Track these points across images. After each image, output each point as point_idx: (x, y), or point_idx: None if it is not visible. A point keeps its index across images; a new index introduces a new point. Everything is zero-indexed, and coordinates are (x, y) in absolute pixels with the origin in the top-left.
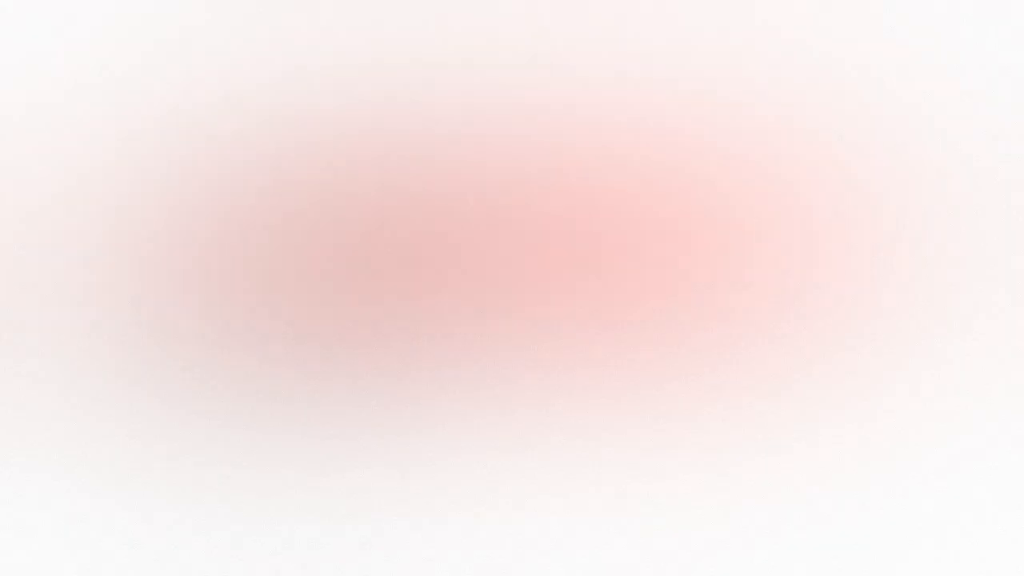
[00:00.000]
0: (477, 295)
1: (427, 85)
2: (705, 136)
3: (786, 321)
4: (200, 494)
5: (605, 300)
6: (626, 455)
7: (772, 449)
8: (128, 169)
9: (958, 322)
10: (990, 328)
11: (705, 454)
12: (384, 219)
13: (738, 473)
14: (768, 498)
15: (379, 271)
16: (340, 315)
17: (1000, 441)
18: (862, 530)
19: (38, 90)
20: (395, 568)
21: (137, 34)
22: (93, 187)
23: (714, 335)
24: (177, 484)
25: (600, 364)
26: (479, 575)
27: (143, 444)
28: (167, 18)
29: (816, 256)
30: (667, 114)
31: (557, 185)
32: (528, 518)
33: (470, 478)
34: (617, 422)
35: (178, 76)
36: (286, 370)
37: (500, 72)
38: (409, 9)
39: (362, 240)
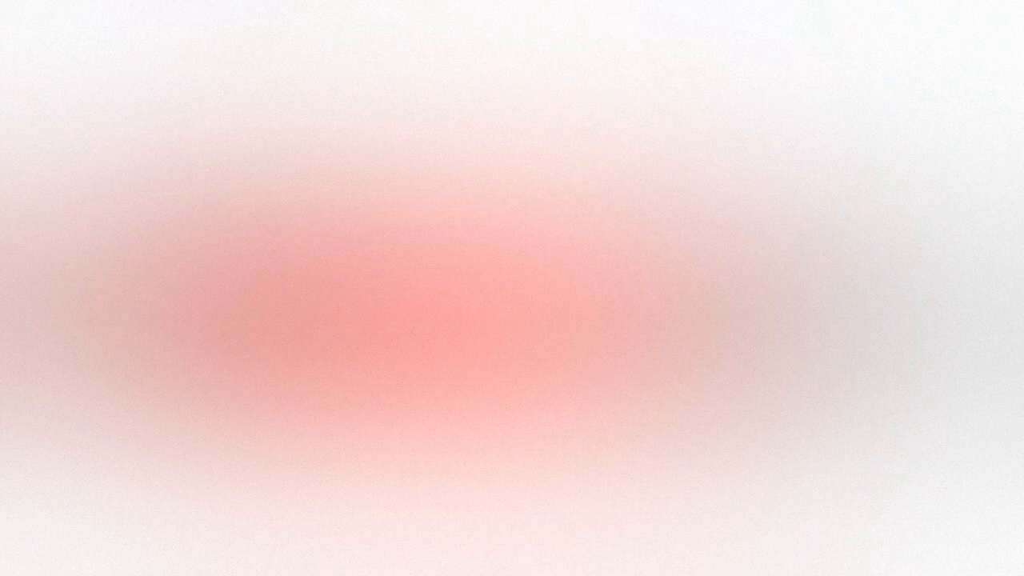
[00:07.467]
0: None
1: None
2: (690, 133)
3: (785, 320)
4: (200, 494)
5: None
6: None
7: (771, 450)
8: (128, 168)
9: (957, 322)
10: (990, 328)
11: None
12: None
13: (736, 477)
14: (768, 498)
15: (381, 273)
16: (340, 317)
17: (1000, 441)
18: (862, 530)
19: (38, 90)
20: (395, 568)
21: (138, 34)
22: (94, 187)
23: (712, 336)
24: (177, 484)
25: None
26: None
27: (142, 444)
28: (164, 19)
29: (815, 256)
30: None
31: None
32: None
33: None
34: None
35: (183, 78)
36: (285, 371)
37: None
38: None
39: (359, 241)
